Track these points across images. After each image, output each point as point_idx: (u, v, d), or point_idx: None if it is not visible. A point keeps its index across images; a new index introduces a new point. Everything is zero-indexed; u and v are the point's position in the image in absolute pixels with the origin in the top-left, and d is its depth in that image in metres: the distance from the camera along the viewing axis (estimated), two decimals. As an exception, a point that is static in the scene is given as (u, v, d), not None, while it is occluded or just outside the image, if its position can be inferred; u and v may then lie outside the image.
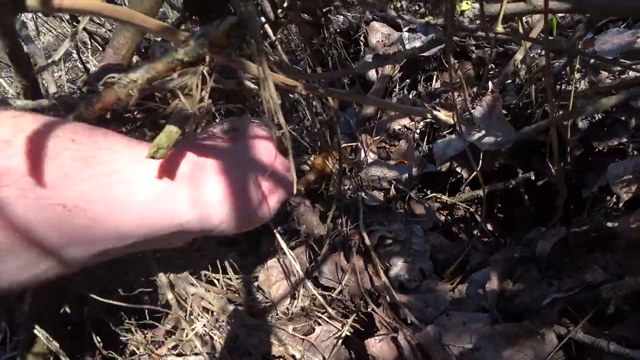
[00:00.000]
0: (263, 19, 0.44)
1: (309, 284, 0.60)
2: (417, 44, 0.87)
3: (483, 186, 0.50)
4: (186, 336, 0.55)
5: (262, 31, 0.45)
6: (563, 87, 0.61)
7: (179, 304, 0.55)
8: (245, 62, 0.30)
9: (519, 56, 0.65)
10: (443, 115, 0.41)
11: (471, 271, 0.60)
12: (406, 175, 0.76)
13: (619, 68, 0.52)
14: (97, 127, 0.32)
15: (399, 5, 0.36)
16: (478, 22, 0.32)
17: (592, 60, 0.51)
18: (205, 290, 0.56)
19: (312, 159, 0.66)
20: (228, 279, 0.61)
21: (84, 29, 0.72)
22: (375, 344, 0.51)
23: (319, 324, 0.58)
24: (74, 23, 0.67)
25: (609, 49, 0.64)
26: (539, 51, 0.71)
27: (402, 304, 0.55)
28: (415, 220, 0.70)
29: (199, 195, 0.34)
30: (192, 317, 0.55)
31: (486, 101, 0.71)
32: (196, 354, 0.55)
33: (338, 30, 1.00)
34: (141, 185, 0.32)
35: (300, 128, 0.74)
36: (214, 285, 0.61)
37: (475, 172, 0.68)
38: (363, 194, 0.72)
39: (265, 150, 0.39)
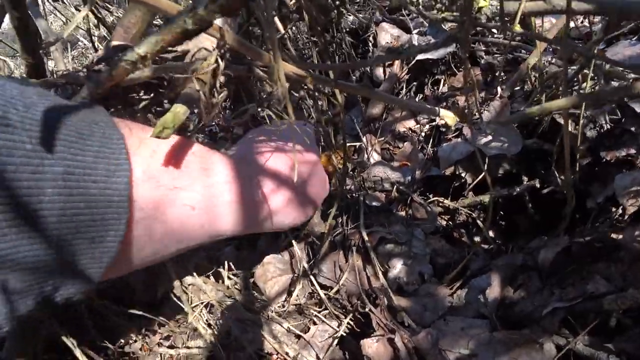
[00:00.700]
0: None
1: (307, 282, 0.59)
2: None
3: (491, 190, 0.50)
4: (179, 328, 0.54)
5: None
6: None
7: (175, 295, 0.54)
8: (256, 48, 0.29)
9: (531, 60, 0.65)
10: (451, 114, 0.41)
11: (471, 277, 0.59)
12: (409, 177, 0.75)
13: (632, 76, 0.51)
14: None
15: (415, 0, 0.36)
16: (496, 19, 0.32)
17: (607, 66, 0.51)
18: (202, 282, 0.55)
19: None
20: (225, 273, 0.60)
21: (93, 12, 0.71)
22: (371, 345, 0.50)
23: (315, 323, 0.57)
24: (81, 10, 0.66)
25: (620, 60, 0.63)
26: (550, 58, 0.70)
27: (400, 306, 0.55)
28: (416, 223, 0.69)
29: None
30: (192, 307, 0.54)
31: (494, 106, 0.71)
32: (188, 347, 0.54)
33: (347, 29, 1.00)
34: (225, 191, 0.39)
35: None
36: (209, 278, 0.60)
37: (479, 177, 0.68)
38: (365, 194, 0.71)
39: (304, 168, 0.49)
